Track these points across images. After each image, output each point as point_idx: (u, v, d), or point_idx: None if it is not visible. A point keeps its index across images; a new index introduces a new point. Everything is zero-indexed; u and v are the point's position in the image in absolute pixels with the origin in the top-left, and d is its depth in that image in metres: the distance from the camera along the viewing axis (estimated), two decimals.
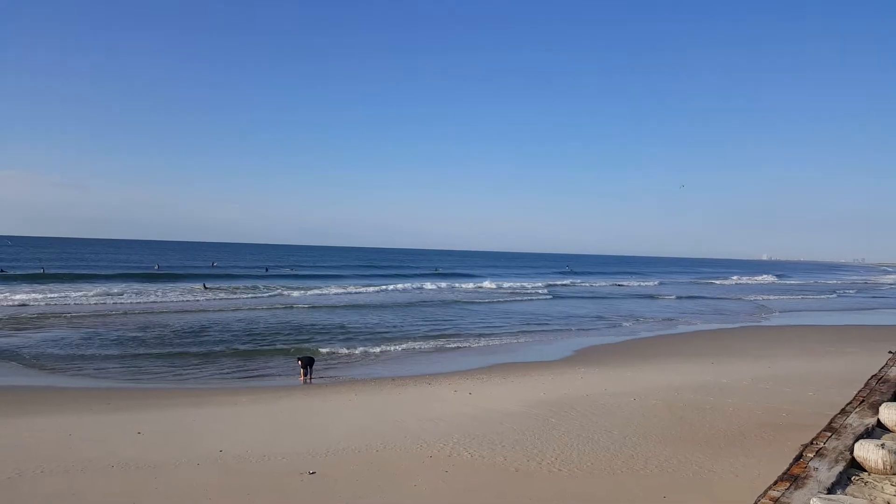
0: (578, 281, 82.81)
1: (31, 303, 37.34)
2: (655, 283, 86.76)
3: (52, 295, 41.25)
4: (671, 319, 39.57)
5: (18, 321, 30.12)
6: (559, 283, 78.00)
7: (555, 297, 56.74)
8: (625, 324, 36.60)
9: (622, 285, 79.68)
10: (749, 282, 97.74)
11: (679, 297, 60.00)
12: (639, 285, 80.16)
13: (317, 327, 30.96)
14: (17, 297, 39.63)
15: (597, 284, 79.01)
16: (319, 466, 10.22)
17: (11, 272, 60.53)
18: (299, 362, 19.77)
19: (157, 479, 9.59)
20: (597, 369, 20.71)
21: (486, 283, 69.64)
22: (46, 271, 63.83)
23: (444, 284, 66.70)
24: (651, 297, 60.27)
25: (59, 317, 32.01)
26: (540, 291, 62.06)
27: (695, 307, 50.27)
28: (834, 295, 70.26)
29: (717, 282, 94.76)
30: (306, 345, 25.33)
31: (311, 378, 19.43)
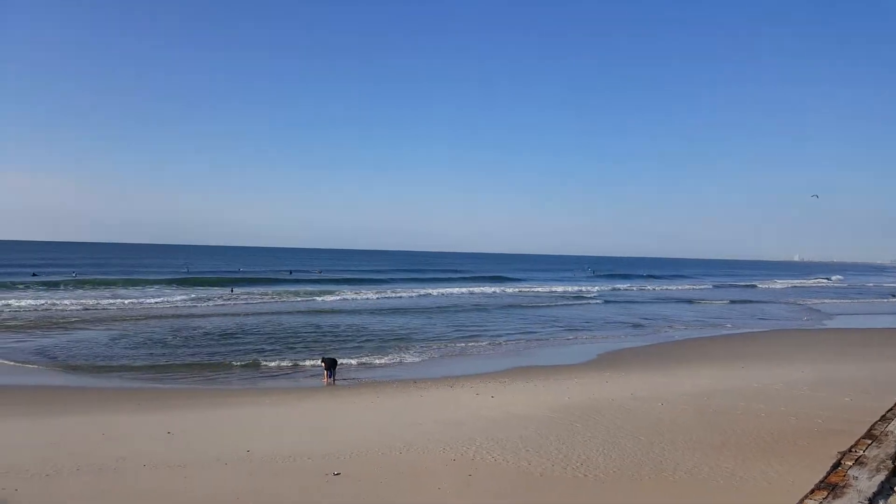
0: (624, 286, 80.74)
1: (64, 306, 38.13)
2: (702, 286, 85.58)
3: (84, 299, 42.25)
4: (704, 323, 38.95)
5: (52, 324, 30.88)
6: (593, 287, 75.85)
7: (605, 301, 55.47)
8: (654, 327, 36.09)
9: (668, 289, 78.51)
10: (803, 284, 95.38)
11: (732, 302, 58.49)
12: (690, 289, 78.96)
13: (340, 329, 31.15)
14: (50, 300, 40.62)
15: (647, 289, 77.58)
16: (344, 468, 10.20)
17: (45, 277, 61.88)
18: (322, 364, 19.87)
19: (187, 479, 9.69)
20: (623, 373, 20.41)
21: (526, 287, 69.45)
22: (78, 276, 65.25)
23: (492, 289, 66.26)
24: (692, 301, 59.06)
25: (91, 320, 32.75)
26: (589, 296, 61.02)
27: (741, 311, 49.44)
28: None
29: (763, 285, 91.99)
30: (329, 347, 25.45)
31: (334, 379, 19.48)
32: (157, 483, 9.50)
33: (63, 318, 32.91)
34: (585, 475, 9.96)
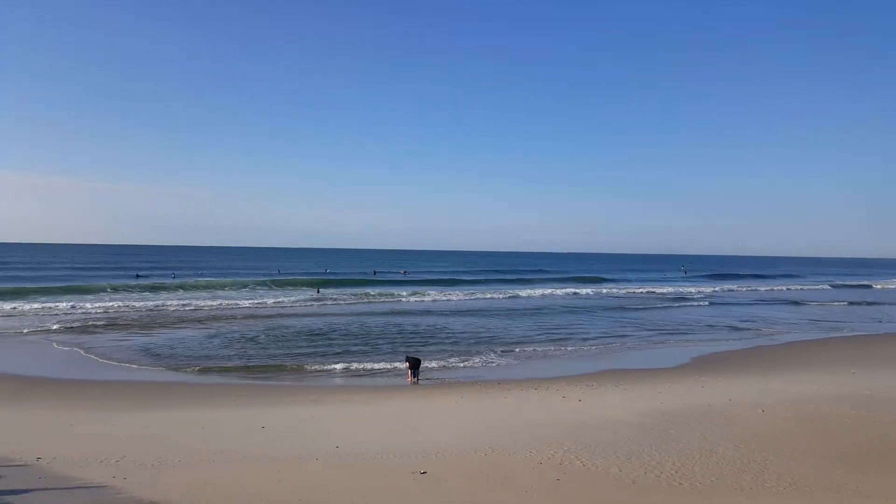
0: (729, 286, 77.06)
1: (165, 306, 40.67)
2: (815, 286, 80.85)
3: (182, 300, 44.85)
4: (813, 325, 36.64)
5: (154, 323, 32.90)
6: (693, 288, 72.65)
7: (710, 303, 52.81)
8: (755, 329, 34.28)
9: (776, 289, 74.54)
10: None
11: (850, 303, 54.72)
12: (801, 289, 74.70)
13: (424, 330, 31.45)
14: (153, 301, 43.34)
15: (756, 289, 73.59)
16: (430, 467, 10.22)
17: (146, 280, 65.89)
18: (407, 364, 20.05)
19: (280, 472, 9.98)
20: (720, 378, 19.45)
21: (621, 288, 68.01)
22: (177, 277, 69.23)
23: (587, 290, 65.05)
24: (800, 302, 55.45)
25: (189, 319, 34.70)
26: (692, 297, 58.77)
27: (852, 313, 46.37)
28: None
29: (878, 285, 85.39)
30: (413, 347, 25.68)
31: (417, 379, 19.63)
32: (253, 476, 9.83)
33: (164, 317, 35.07)
34: (681, 483, 9.50)
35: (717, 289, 72.74)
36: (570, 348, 26.84)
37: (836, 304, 54.82)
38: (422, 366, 20.36)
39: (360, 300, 49.21)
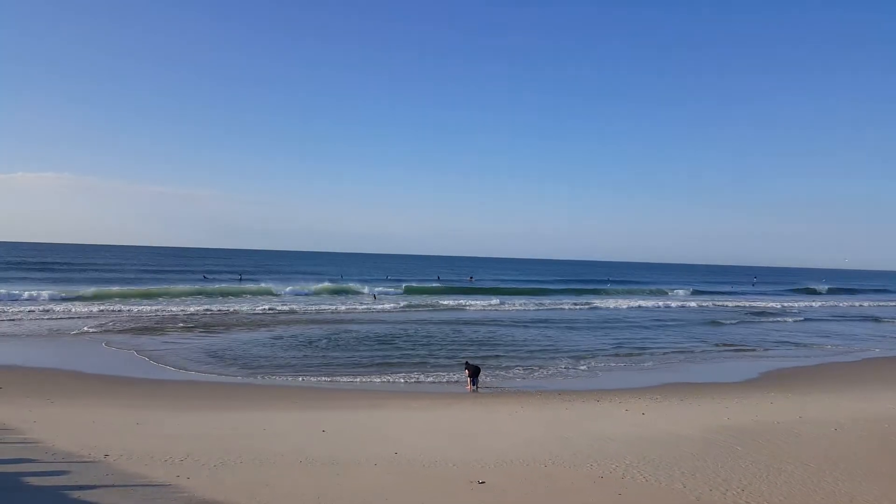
0: (818, 302, 72.73)
1: (230, 308, 42.12)
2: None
3: (246, 303, 46.41)
4: (875, 339, 34.84)
5: (220, 324, 34.10)
6: (779, 303, 67.78)
7: (805, 318, 50.40)
8: (830, 345, 32.88)
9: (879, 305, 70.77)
10: None
11: None
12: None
13: (487, 338, 31.56)
14: (218, 303, 44.98)
15: (853, 305, 69.85)
16: (488, 476, 10.27)
17: (212, 282, 67.52)
18: (466, 371, 20.18)
19: (339, 476, 10.18)
20: (790, 394, 18.76)
21: (700, 301, 65.60)
22: (244, 279, 71.42)
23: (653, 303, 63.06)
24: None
25: (253, 322, 35.83)
26: (781, 312, 55.92)
27: None
28: None
29: None
30: (475, 355, 25.77)
31: (477, 387, 19.73)
32: (311, 478, 10.04)
33: (230, 319, 36.35)
34: (747, 502, 9.27)
35: (797, 303, 68.91)
36: (636, 361, 26.41)
37: None
38: (481, 374, 20.43)
39: (425, 307, 49.58)
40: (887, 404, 16.92)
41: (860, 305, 69.77)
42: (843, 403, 17.11)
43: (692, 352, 29.67)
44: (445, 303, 52.66)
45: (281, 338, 29.62)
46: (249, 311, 40.98)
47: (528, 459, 11.33)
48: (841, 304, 70.19)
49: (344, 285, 65.98)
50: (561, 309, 52.61)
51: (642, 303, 61.37)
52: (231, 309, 41.85)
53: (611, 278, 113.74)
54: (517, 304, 54.15)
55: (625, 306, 57.51)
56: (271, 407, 16.20)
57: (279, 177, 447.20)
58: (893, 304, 73.38)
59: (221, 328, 32.67)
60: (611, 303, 60.22)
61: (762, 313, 54.12)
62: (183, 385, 19.45)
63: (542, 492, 9.68)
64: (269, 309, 42.78)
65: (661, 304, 61.36)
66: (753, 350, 30.61)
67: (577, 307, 54.75)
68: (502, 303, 54.71)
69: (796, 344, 33.21)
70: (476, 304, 52.77)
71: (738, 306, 61.65)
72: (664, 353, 28.62)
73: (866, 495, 9.55)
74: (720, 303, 65.12)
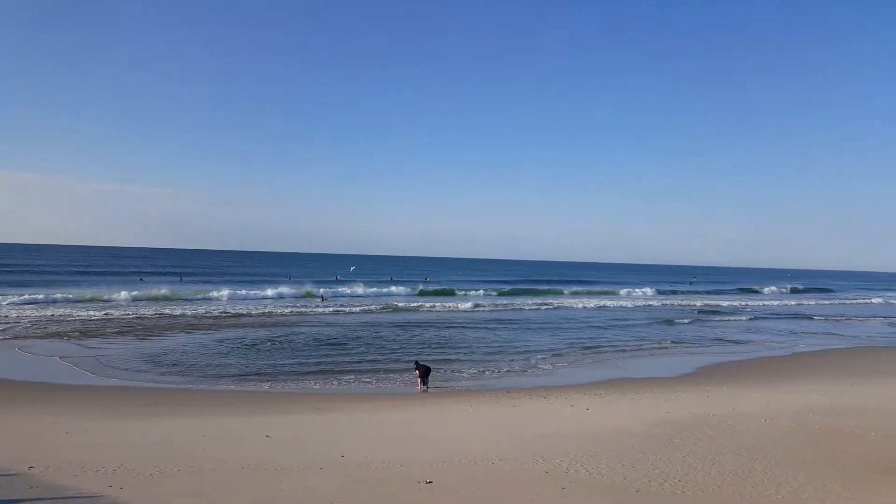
0: (781, 300, 75.57)
1: (170, 311, 40.81)
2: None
3: (187, 305, 45.12)
4: (805, 335, 36.76)
5: (158, 328, 33.06)
6: (726, 302, 70.78)
7: (754, 317, 52.16)
8: (759, 341, 34.44)
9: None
10: None
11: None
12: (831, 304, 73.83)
13: (437, 339, 31.77)
14: (155, 305, 43.60)
15: (787, 304, 72.36)
16: (436, 476, 10.38)
17: (149, 285, 64.38)
18: (417, 371, 20.28)
19: (284, 482, 10.05)
20: (724, 388, 19.63)
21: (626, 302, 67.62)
22: (184, 281, 69.26)
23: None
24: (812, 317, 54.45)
25: (195, 325, 34.90)
26: (729, 311, 57.92)
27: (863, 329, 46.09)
28: None
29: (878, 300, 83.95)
30: (427, 357, 25.84)
31: (427, 387, 19.89)
32: (254, 485, 9.86)
33: (169, 322, 35.22)
34: (683, 492, 9.73)
35: (750, 302, 71.73)
36: (583, 358, 27.09)
37: (870, 320, 53.83)
38: (432, 374, 20.57)
39: (372, 307, 49.25)
40: (813, 396, 17.92)
41: (805, 304, 72.97)
42: (772, 396, 18.03)
43: (637, 348, 30.67)
44: (400, 304, 52.52)
45: (224, 341, 28.97)
46: (190, 314, 39.81)
47: (476, 457, 11.50)
48: (790, 303, 73.54)
49: (295, 287, 64.77)
50: (519, 310, 53.05)
51: (600, 302, 63.07)
52: (170, 312, 40.53)
53: (566, 278, 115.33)
54: (474, 305, 54.26)
55: (580, 306, 58.74)
56: (213, 413, 15.79)
57: (233, 175, 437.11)
58: (829, 302, 77.28)
59: (159, 332, 31.62)
60: (566, 302, 61.55)
61: (715, 312, 56.21)
62: (117, 391, 18.74)
63: (488, 489, 9.86)
64: (213, 311, 41.77)
65: (616, 303, 63.02)
66: (693, 346, 31.84)
67: (534, 307, 55.51)
68: (459, 304, 54.69)
69: (736, 341, 34.68)
70: (432, 305, 52.84)
71: (691, 305, 64.09)
72: (613, 350, 29.52)
73: (792, 482, 10.15)
74: (678, 302, 67.53)
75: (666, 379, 22.11)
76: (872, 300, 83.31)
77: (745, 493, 9.70)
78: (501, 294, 72.71)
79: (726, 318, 50.02)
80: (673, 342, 33.42)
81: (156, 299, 49.49)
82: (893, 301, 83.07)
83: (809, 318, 52.99)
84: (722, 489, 9.86)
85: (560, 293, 76.88)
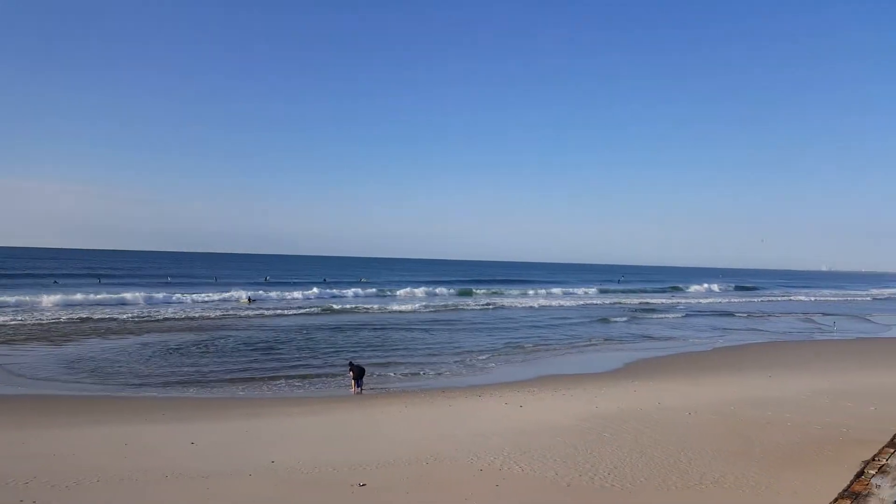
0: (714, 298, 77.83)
1: (89, 314, 38.78)
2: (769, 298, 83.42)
3: (105, 307, 43.01)
4: (728, 331, 38.58)
5: (75, 332, 31.37)
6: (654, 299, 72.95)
7: (686, 314, 53.67)
8: (682, 338, 35.85)
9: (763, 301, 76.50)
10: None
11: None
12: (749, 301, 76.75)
13: (369, 339, 31.47)
14: (74, 308, 41.36)
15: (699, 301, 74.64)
16: (370, 478, 10.28)
17: (64, 288, 60.99)
18: (351, 373, 19.97)
19: (209, 490, 9.71)
20: (650, 382, 20.32)
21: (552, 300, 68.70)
22: (103, 283, 66.28)
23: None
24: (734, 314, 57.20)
25: (116, 329, 33.29)
26: (662, 308, 59.78)
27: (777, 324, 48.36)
28: None
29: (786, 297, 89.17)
30: (363, 358, 25.54)
31: (361, 389, 19.65)
32: (179, 494, 9.51)
33: (86, 327, 33.45)
34: (613, 485, 9.99)
35: (683, 300, 74.34)
36: (516, 356, 27.44)
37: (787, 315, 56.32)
38: (366, 375, 20.31)
39: (305, 308, 48.30)
40: (734, 389, 18.82)
41: (733, 301, 76.11)
42: (696, 389, 18.82)
43: (571, 346, 31.34)
44: (336, 306, 51.61)
45: (147, 345, 27.76)
46: (110, 318, 37.91)
47: (411, 458, 11.46)
48: (721, 301, 76.64)
49: (221, 289, 62.96)
50: (458, 310, 52.92)
51: (541, 302, 64.20)
52: (88, 315, 38.53)
53: (509, 278, 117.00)
54: (411, 306, 53.75)
55: (520, 305, 59.36)
56: (135, 420, 15.10)
57: (154, 171, 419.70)
58: (760, 300, 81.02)
59: (76, 337, 30.00)
60: (506, 302, 62.25)
61: (651, 310, 57.96)
62: (28, 400, 17.67)
63: (422, 489, 9.84)
64: (135, 314, 39.96)
65: (556, 303, 64.11)
66: (622, 343, 32.84)
67: (474, 308, 55.42)
68: (398, 305, 54.18)
69: (662, 338, 35.98)
70: (368, 306, 52.16)
71: (629, 304, 65.90)
72: (547, 348, 30.03)
73: (714, 472, 10.59)
74: (615, 301, 69.19)
75: (595, 374, 22.70)
76: (792, 297, 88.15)
77: (671, 483, 10.04)
78: (440, 295, 72.29)
79: (661, 316, 51.63)
80: (605, 339, 34.27)
81: (72, 304, 46.92)
82: (803, 297, 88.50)
83: (732, 314, 55.50)
84: (649, 481, 10.17)
85: (501, 293, 77.58)
